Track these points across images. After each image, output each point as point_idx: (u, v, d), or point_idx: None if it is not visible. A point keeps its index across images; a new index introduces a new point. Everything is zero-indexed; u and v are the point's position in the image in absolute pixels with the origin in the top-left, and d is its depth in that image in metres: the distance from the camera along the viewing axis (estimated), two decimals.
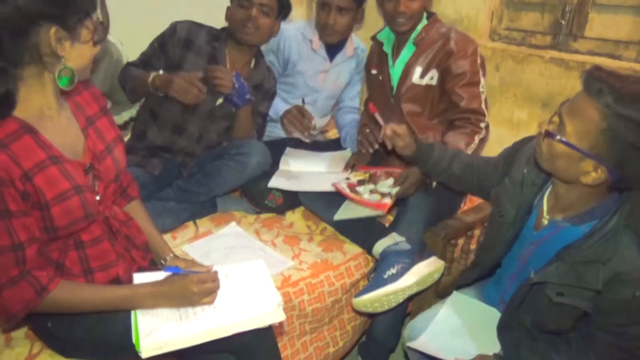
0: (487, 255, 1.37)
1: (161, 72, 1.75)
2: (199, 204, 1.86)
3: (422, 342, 1.35)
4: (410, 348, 1.40)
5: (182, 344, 1.06)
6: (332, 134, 2.48)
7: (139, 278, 1.18)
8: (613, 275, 1.01)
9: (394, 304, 1.58)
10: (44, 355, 1.17)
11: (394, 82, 1.90)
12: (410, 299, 1.65)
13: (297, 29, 2.12)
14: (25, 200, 0.96)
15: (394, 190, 1.69)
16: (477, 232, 1.80)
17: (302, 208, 1.95)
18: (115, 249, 1.18)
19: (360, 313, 1.73)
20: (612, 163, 0.96)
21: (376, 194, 1.72)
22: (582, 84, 0.98)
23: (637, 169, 0.95)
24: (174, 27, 1.78)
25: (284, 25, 2.01)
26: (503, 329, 1.28)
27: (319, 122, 2.23)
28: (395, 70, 1.89)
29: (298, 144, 2.14)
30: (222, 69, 1.73)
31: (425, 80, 1.82)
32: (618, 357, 1.09)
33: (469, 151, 1.70)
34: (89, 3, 0.98)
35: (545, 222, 1.17)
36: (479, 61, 1.78)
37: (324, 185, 1.80)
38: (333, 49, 2.12)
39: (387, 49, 1.92)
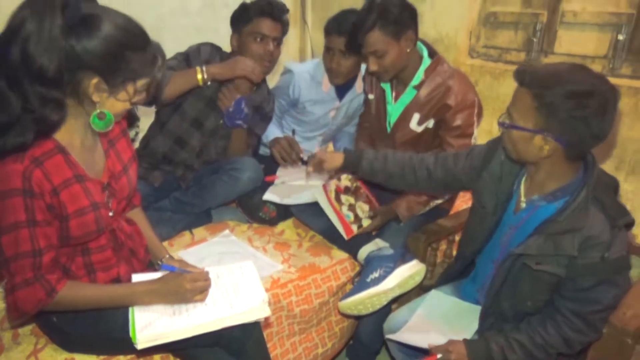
0: (469, 246, 1.48)
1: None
2: (194, 215, 1.96)
3: (400, 334, 1.45)
4: (390, 339, 1.51)
5: (174, 336, 1.16)
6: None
7: (137, 278, 1.27)
8: (584, 240, 1.15)
9: (377, 307, 1.66)
10: (49, 350, 1.27)
11: (391, 119, 1.91)
12: (394, 301, 1.74)
13: (307, 72, 2.15)
14: (50, 211, 1.08)
15: (364, 222, 1.81)
16: (457, 237, 1.89)
17: (293, 217, 2.06)
18: (118, 256, 1.29)
19: (346, 316, 1.81)
20: (555, 132, 1.12)
21: (352, 212, 1.83)
22: (514, 79, 1.18)
23: (574, 131, 1.10)
24: (198, 49, 1.92)
25: (294, 68, 2.14)
26: (485, 315, 1.40)
27: (322, 147, 2.36)
28: (395, 110, 1.90)
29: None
30: (229, 89, 1.89)
31: (422, 128, 1.85)
32: (575, 326, 1.21)
33: None
34: (140, 70, 1.06)
35: (523, 204, 1.31)
36: (476, 111, 1.79)
37: (313, 196, 1.89)
38: (343, 88, 2.15)
39: (385, 85, 1.91)
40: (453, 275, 1.60)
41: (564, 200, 1.20)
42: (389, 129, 1.92)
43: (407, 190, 1.71)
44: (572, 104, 1.08)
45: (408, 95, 1.84)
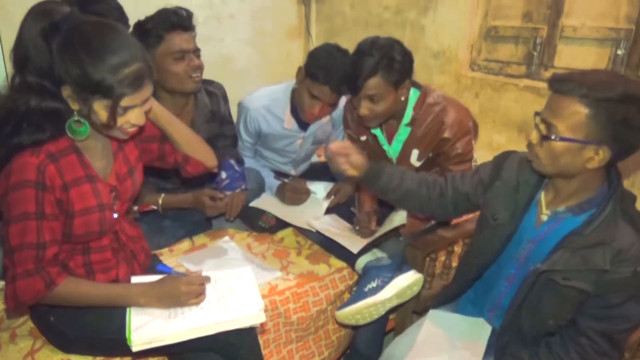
0: (477, 260, 1.38)
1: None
2: (193, 223, 1.97)
3: None
4: None
5: (169, 339, 1.16)
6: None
7: (136, 280, 1.29)
8: (615, 254, 1.09)
9: (375, 316, 1.66)
10: (45, 351, 1.28)
11: (392, 155, 1.89)
12: (391, 311, 1.74)
13: (262, 107, 2.02)
14: (59, 206, 1.12)
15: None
16: (457, 248, 1.89)
17: (292, 226, 2.06)
18: (118, 257, 1.30)
19: (343, 325, 1.81)
20: (609, 141, 1.04)
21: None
22: (551, 89, 1.10)
23: (629, 136, 1.05)
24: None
25: (248, 104, 2.01)
26: (502, 333, 1.32)
27: (296, 170, 2.32)
28: (393, 149, 1.87)
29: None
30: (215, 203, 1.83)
31: (422, 161, 1.84)
32: (601, 348, 1.16)
33: None
34: (109, 91, 1.04)
35: (545, 217, 1.23)
36: (472, 134, 1.78)
37: (302, 221, 1.92)
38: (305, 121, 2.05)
39: (375, 130, 1.86)
40: (453, 293, 1.53)
41: (590, 212, 1.14)
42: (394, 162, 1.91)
43: (416, 211, 1.63)
44: (630, 110, 1.01)
45: (402, 134, 1.82)
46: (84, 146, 1.17)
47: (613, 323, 1.14)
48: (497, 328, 1.35)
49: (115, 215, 1.26)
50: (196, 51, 1.72)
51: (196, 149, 1.40)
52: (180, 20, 1.64)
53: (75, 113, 1.09)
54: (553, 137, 1.08)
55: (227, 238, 1.93)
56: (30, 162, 1.07)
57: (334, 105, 1.93)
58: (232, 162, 1.86)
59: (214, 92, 1.95)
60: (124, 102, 1.07)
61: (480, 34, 2.37)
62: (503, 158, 1.35)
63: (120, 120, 1.10)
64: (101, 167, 1.22)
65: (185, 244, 1.89)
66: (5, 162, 1.08)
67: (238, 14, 2.85)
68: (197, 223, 1.98)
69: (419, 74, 2.63)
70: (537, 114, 1.14)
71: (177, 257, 1.77)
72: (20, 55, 1.06)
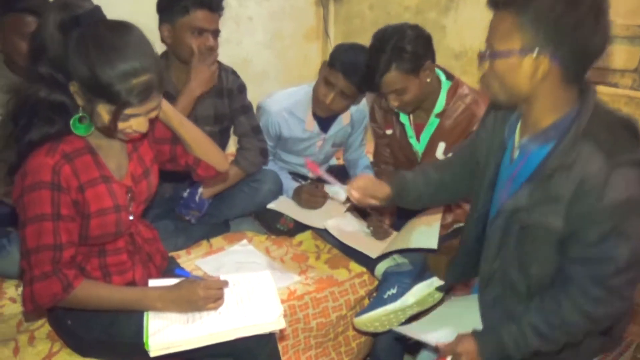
0: (474, 212, 1.32)
1: None
2: (211, 225, 1.95)
3: (407, 327, 1.39)
4: (396, 332, 1.45)
5: (187, 345, 1.15)
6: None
7: (154, 283, 1.27)
8: (579, 183, 0.99)
9: (395, 324, 1.61)
10: (63, 354, 1.27)
11: (417, 149, 1.86)
12: (411, 319, 1.69)
13: (284, 110, 2.03)
14: (75, 207, 1.11)
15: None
16: None
17: (311, 229, 2.03)
18: (134, 259, 1.29)
19: (362, 332, 1.77)
20: (546, 46, 0.97)
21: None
22: (489, 7, 1.06)
23: (567, 41, 0.97)
24: None
25: (269, 107, 2.02)
26: (484, 287, 1.25)
27: (327, 162, 2.32)
28: (420, 144, 1.85)
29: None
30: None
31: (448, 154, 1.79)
32: (594, 295, 1.04)
33: None
34: (113, 97, 1.02)
35: (517, 153, 1.16)
36: None
37: (320, 222, 1.90)
38: (327, 121, 2.06)
39: (404, 119, 1.86)
40: (462, 263, 1.42)
41: (555, 142, 1.05)
42: (418, 159, 1.87)
43: (450, 201, 1.59)
44: (560, 8, 0.94)
45: (431, 126, 1.79)
46: (99, 146, 1.16)
47: (598, 265, 1.03)
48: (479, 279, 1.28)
49: (131, 217, 1.24)
50: (215, 32, 1.76)
51: (207, 151, 1.37)
52: (207, 1, 1.69)
53: (80, 109, 1.08)
54: (488, 53, 1.04)
55: (245, 241, 1.91)
56: (45, 162, 1.06)
57: (348, 97, 1.90)
58: (200, 191, 1.85)
59: (223, 67, 1.93)
60: (128, 111, 1.05)
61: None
62: (488, 108, 1.31)
63: (122, 125, 1.08)
64: (116, 168, 1.21)
65: (203, 247, 1.87)
66: (21, 161, 1.07)
67: (256, 16, 2.83)
68: (214, 225, 1.96)
69: None
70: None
71: (194, 260, 1.76)
72: (37, 45, 1.04)
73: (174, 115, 1.29)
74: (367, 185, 1.42)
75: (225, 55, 2.73)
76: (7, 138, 1.08)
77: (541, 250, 1.10)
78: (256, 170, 1.97)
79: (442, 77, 1.77)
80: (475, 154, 1.33)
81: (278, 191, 1.98)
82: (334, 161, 2.44)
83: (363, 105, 2.14)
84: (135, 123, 1.09)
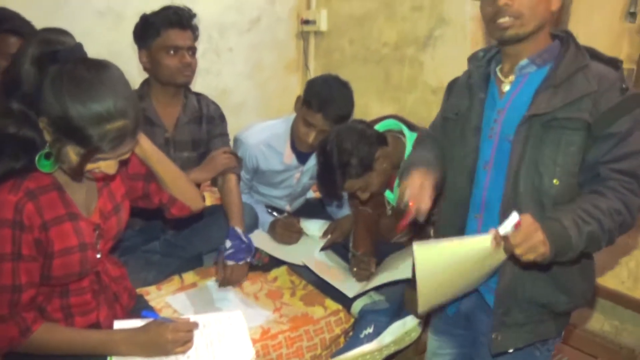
0: (454, 183, 1.26)
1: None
2: (184, 259, 1.89)
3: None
4: None
5: None
6: None
7: (119, 325, 1.21)
8: (599, 80, 1.07)
9: None
10: None
11: (390, 198, 1.83)
12: (390, 358, 1.66)
13: (262, 142, 2.01)
14: (37, 247, 1.05)
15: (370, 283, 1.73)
16: None
17: (287, 264, 1.99)
18: (98, 299, 1.23)
19: None
20: None
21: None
22: None
23: None
24: None
25: (247, 139, 2.01)
26: (506, 207, 1.13)
27: (304, 194, 2.29)
28: (393, 194, 1.82)
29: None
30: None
31: None
32: (631, 186, 1.06)
33: None
34: (85, 141, 0.97)
35: (508, 85, 1.18)
36: None
37: (297, 258, 1.88)
38: (305, 153, 2.04)
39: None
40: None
41: (552, 61, 1.13)
42: (389, 212, 1.86)
43: None
44: None
45: None
46: (66, 182, 1.11)
47: (631, 158, 1.06)
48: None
49: (99, 256, 1.19)
50: (190, 49, 1.76)
51: (184, 190, 1.34)
52: (179, 18, 1.71)
53: (47, 145, 1.02)
54: None
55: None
56: (7, 199, 1.01)
57: (325, 132, 1.86)
58: (239, 231, 1.79)
59: (203, 97, 1.96)
60: (98, 155, 1.01)
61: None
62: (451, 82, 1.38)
63: (90, 167, 1.03)
64: (84, 204, 1.16)
65: (174, 282, 1.81)
66: None
67: (237, 47, 2.85)
68: (187, 259, 1.90)
69: (418, 110, 2.63)
70: None
71: (165, 297, 1.69)
72: (11, 78, 1.00)
73: (152, 151, 1.26)
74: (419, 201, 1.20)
75: (205, 85, 2.74)
76: None
77: (567, 153, 1.08)
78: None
79: (405, 131, 1.76)
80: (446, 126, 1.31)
81: (252, 225, 1.94)
82: (310, 194, 2.42)
83: None
84: (104, 165, 1.05)
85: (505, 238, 0.99)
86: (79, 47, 1.03)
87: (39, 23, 1.67)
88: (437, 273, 1.12)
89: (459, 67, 2.37)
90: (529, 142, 1.11)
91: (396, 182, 1.72)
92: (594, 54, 1.13)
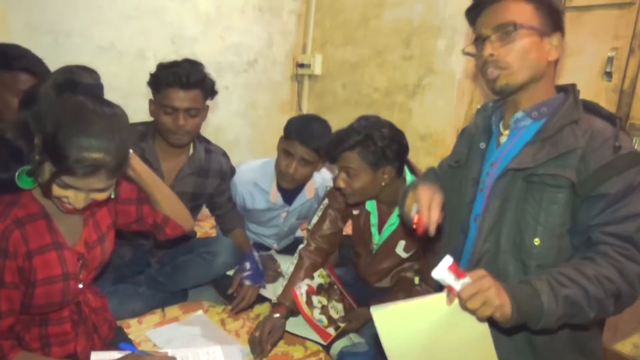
0: (454, 222, 1.24)
1: None
2: (169, 293, 1.90)
3: None
4: None
5: None
6: None
7: (96, 356, 1.21)
8: (590, 137, 1.02)
9: None
10: None
11: (376, 240, 1.83)
12: None
13: (250, 181, 2.06)
14: (20, 274, 1.06)
15: (342, 324, 1.74)
16: None
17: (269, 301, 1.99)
18: (77, 330, 1.23)
19: None
20: (556, 29, 1.08)
21: (325, 315, 1.75)
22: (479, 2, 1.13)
23: (562, 27, 1.10)
24: None
25: (236, 177, 2.05)
26: (477, 260, 1.12)
27: (291, 234, 2.31)
28: (380, 237, 1.81)
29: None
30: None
31: (409, 254, 1.77)
32: (626, 252, 0.98)
33: None
34: (60, 160, 0.98)
35: (505, 137, 1.17)
36: None
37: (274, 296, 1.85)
38: (291, 194, 2.07)
39: (371, 207, 1.80)
40: None
41: (548, 115, 1.10)
42: (373, 250, 1.85)
43: None
44: (559, 2, 1.07)
45: (394, 222, 1.75)
46: (55, 211, 1.13)
47: (625, 222, 0.98)
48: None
49: (81, 286, 1.20)
50: (188, 110, 1.73)
51: (176, 210, 1.38)
52: (178, 79, 1.69)
53: (31, 161, 1.05)
54: (517, 26, 1.05)
55: (200, 312, 1.85)
56: None
57: (309, 163, 1.92)
58: (256, 255, 1.87)
59: (213, 150, 1.97)
60: (67, 179, 1.00)
61: (466, 119, 2.45)
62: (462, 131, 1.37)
63: (58, 191, 1.02)
64: (70, 233, 1.17)
65: (156, 316, 1.80)
66: None
67: (232, 86, 2.93)
68: (172, 293, 1.90)
69: None
70: (477, 39, 1.13)
71: (145, 331, 1.68)
72: (30, 96, 1.05)
73: (144, 173, 1.29)
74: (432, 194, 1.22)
75: None
76: None
77: (547, 212, 1.03)
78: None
79: (407, 172, 1.76)
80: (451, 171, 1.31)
81: (233, 263, 1.94)
82: (299, 232, 2.44)
83: (328, 180, 2.17)
84: (73, 195, 1.03)
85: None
86: (99, 86, 1.08)
87: (41, 56, 1.74)
88: (403, 337, 1.03)
89: (446, 115, 2.48)
90: (512, 197, 1.09)
91: (395, 211, 1.73)
92: (594, 109, 1.10)
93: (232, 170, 2.04)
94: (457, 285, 0.93)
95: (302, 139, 1.87)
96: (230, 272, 1.95)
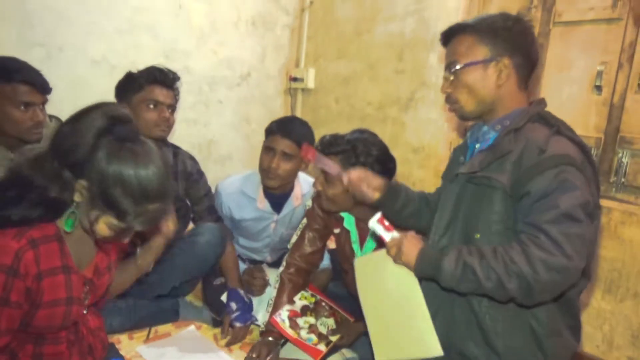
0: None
1: None
2: (158, 307, 1.85)
3: None
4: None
5: None
6: None
7: None
8: (524, 144, 1.12)
9: None
10: None
11: (358, 256, 1.77)
12: None
13: (235, 191, 2.07)
14: (26, 295, 1.04)
15: (333, 338, 1.72)
16: None
17: None
18: (72, 350, 1.21)
19: None
20: (504, 53, 1.18)
21: (314, 333, 1.73)
22: (442, 44, 1.28)
23: (519, 46, 1.19)
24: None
25: (221, 189, 2.08)
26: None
27: (284, 245, 2.27)
28: (363, 253, 1.78)
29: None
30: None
31: None
32: (538, 241, 1.05)
33: None
34: (120, 214, 1.02)
35: (477, 147, 1.29)
36: None
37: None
38: (278, 201, 2.07)
39: (349, 225, 1.79)
40: None
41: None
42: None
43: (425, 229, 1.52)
44: (510, 22, 1.18)
45: (370, 245, 1.75)
46: (69, 235, 1.12)
47: (541, 214, 1.06)
48: None
49: (85, 312, 1.20)
50: (170, 107, 1.83)
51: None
52: (163, 77, 1.81)
53: (74, 204, 1.05)
54: (458, 67, 1.20)
55: (192, 327, 1.83)
56: (10, 245, 1.01)
57: (291, 157, 1.92)
58: (241, 292, 1.85)
59: (180, 153, 1.99)
60: (118, 223, 1.04)
61: (459, 131, 2.46)
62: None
63: (103, 231, 1.06)
64: (81, 258, 1.17)
65: (146, 332, 1.77)
66: None
67: (226, 100, 2.94)
68: (162, 310, 1.87)
69: (399, 168, 2.68)
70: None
71: (135, 346, 1.65)
72: (70, 143, 1.02)
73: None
74: (366, 173, 1.46)
75: (193, 135, 2.80)
76: None
77: (486, 211, 1.16)
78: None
79: None
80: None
81: (218, 243, 1.90)
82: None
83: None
84: (123, 235, 1.09)
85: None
86: (135, 126, 1.09)
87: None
88: (371, 286, 1.31)
89: (439, 129, 2.49)
90: (465, 198, 1.22)
91: (367, 239, 1.74)
92: (544, 119, 1.19)
93: (199, 173, 2.02)
94: (387, 236, 1.26)
95: (282, 131, 1.92)
96: (223, 297, 1.90)
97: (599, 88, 1.96)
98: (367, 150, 1.61)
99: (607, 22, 1.94)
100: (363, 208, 1.67)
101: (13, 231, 1.03)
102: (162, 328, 1.81)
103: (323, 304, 1.84)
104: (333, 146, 1.63)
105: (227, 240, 1.98)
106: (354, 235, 1.79)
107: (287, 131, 1.92)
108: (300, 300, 1.82)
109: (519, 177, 1.11)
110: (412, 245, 1.19)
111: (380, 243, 1.42)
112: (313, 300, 1.84)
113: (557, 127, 1.16)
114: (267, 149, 1.96)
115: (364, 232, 1.76)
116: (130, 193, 1.00)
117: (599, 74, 1.95)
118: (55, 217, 1.08)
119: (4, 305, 1.01)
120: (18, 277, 1.02)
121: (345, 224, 1.80)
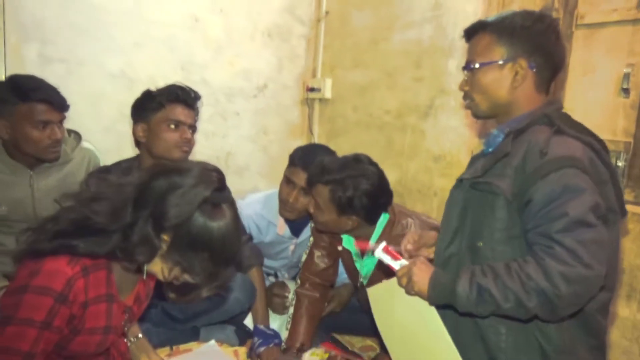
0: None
1: None
2: (177, 331, 1.81)
3: None
4: None
5: None
6: None
7: None
8: (527, 147, 1.09)
9: None
10: None
11: (363, 272, 1.80)
12: None
13: (255, 213, 2.04)
14: (69, 321, 1.04)
15: None
16: None
17: None
18: None
19: None
20: (522, 55, 1.16)
21: None
22: (466, 35, 1.26)
23: (539, 47, 1.15)
24: (86, 180, 1.72)
25: (240, 206, 1.95)
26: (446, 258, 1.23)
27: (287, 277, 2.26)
28: (365, 265, 1.79)
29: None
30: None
31: None
32: (553, 252, 1.01)
33: None
34: (195, 269, 1.05)
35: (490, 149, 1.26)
36: None
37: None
38: (298, 225, 2.05)
39: (348, 245, 1.79)
40: None
41: None
42: (364, 282, 1.79)
43: None
44: (530, 21, 1.15)
45: (371, 262, 1.73)
46: (117, 264, 1.11)
47: (552, 222, 1.02)
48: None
49: (125, 340, 1.22)
50: (192, 127, 1.76)
51: None
52: (185, 96, 1.73)
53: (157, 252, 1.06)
54: (475, 66, 1.19)
55: (213, 342, 1.81)
56: (64, 271, 1.00)
57: (306, 192, 1.86)
58: (262, 328, 1.82)
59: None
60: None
61: (480, 139, 2.41)
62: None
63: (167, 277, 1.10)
64: (124, 287, 1.17)
65: (165, 349, 1.74)
66: (40, 255, 1.01)
67: (243, 111, 2.93)
68: (182, 331, 1.81)
69: (419, 177, 2.66)
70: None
71: None
72: (168, 209, 1.01)
73: None
74: (420, 235, 1.38)
75: (210, 147, 2.79)
76: (46, 226, 1.04)
77: (489, 218, 1.12)
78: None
79: (382, 221, 1.72)
80: None
81: (247, 300, 1.85)
82: None
83: None
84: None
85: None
86: (229, 191, 1.12)
87: (54, 85, 1.74)
88: (387, 312, 1.24)
89: (459, 136, 2.44)
90: (472, 204, 1.18)
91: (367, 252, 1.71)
92: (549, 122, 1.15)
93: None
94: (395, 265, 1.22)
95: (304, 166, 1.83)
96: (247, 322, 1.89)
97: (626, 91, 1.90)
98: (356, 183, 1.58)
99: (632, 23, 1.88)
100: (357, 232, 1.70)
101: (67, 257, 1.02)
102: (184, 345, 1.79)
103: (339, 358, 1.78)
104: (324, 174, 1.61)
105: (255, 264, 1.93)
106: (355, 255, 1.78)
107: (307, 166, 1.83)
108: (312, 356, 1.76)
109: (522, 183, 1.07)
110: (423, 272, 1.14)
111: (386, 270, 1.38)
112: (326, 356, 1.78)
113: (558, 126, 1.11)
114: (288, 181, 1.91)
115: (363, 250, 1.75)
116: (211, 255, 1.02)
117: (626, 76, 1.89)
118: (122, 260, 1.07)
119: (45, 329, 1.00)
120: (66, 304, 1.00)
121: (345, 244, 1.78)
